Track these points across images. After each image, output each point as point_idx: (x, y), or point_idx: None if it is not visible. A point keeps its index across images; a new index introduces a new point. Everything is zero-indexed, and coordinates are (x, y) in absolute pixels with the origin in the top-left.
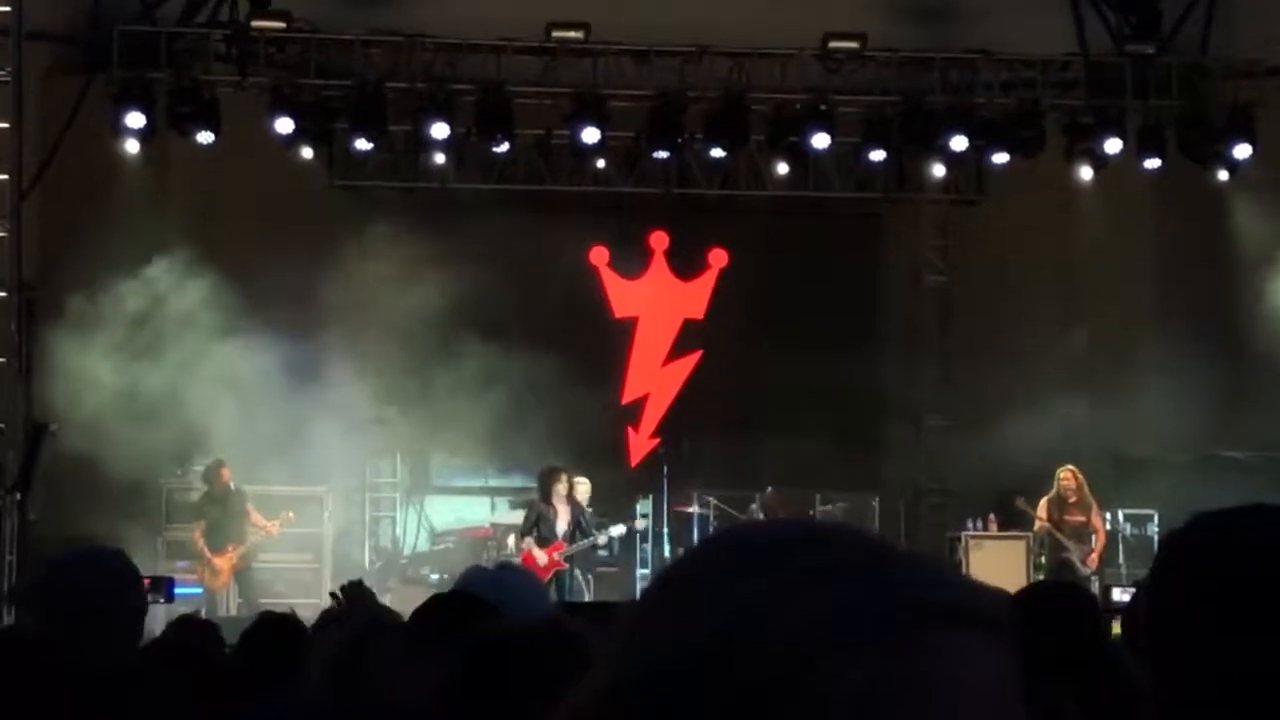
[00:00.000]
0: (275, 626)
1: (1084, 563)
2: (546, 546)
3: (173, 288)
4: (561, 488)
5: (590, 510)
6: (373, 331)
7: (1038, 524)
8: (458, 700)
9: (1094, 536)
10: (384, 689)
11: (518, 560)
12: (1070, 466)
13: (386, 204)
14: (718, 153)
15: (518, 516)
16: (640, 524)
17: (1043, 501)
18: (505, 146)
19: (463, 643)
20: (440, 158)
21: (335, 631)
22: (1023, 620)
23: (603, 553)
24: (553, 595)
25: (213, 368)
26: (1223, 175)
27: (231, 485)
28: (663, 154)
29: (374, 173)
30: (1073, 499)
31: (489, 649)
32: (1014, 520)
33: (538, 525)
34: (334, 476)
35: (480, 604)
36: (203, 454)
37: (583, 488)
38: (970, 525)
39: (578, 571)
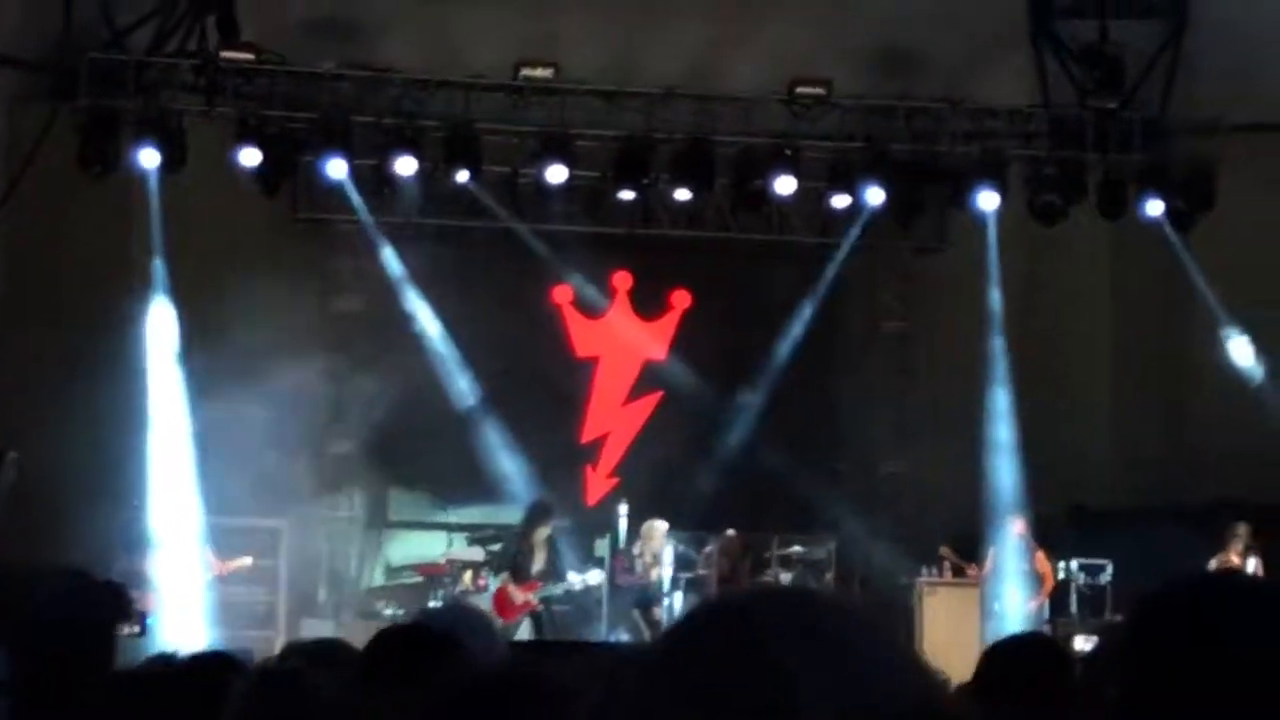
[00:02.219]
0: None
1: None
2: (522, 583)
3: (137, 317)
4: (545, 529)
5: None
6: (333, 365)
7: (971, 573)
8: None
9: (1041, 583)
10: None
11: (489, 596)
12: (1019, 516)
13: (350, 238)
14: (683, 194)
15: (475, 553)
16: (599, 576)
17: (991, 550)
18: (471, 183)
19: (426, 686)
20: (406, 192)
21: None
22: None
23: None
24: (528, 633)
25: (174, 399)
26: (1182, 229)
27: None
28: (628, 194)
29: (339, 206)
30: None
31: (457, 697)
32: (960, 568)
33: (515, 560)
34: (291, 509)
35: (440, 638)
36: (162, 484)
37: (659, 530)
38: (925, 571)
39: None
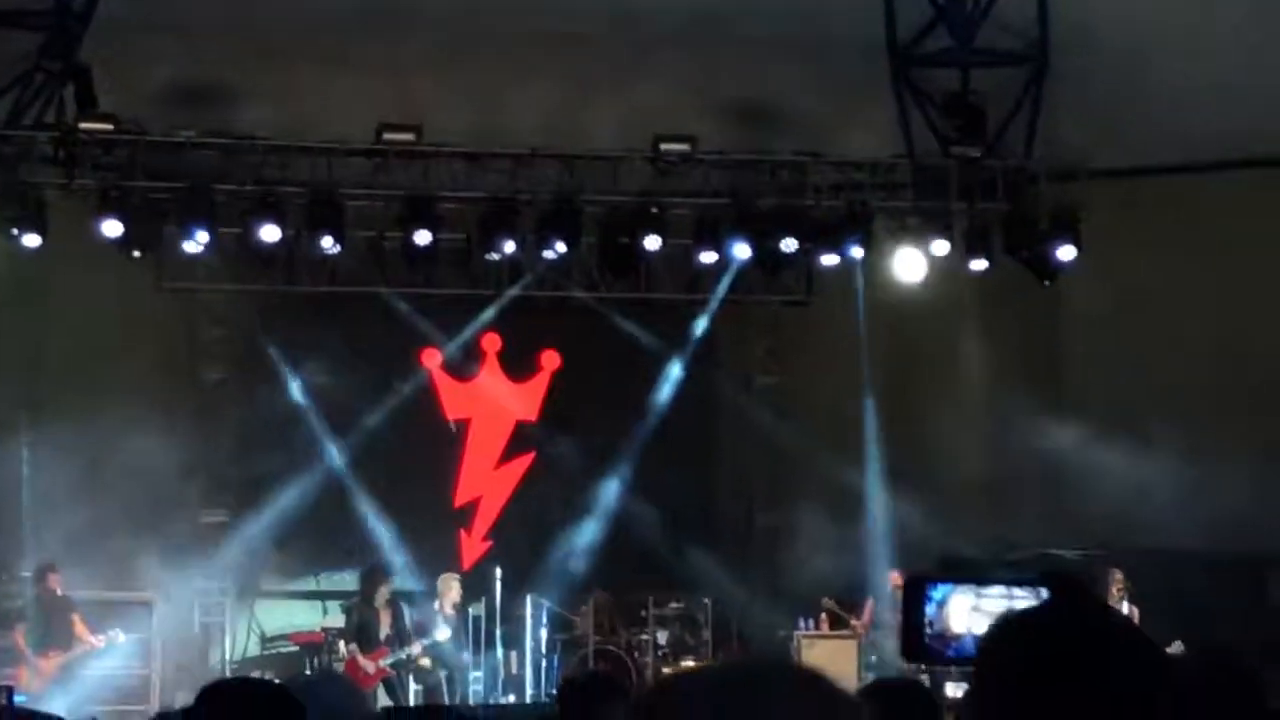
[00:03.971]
0: None
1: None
2: (370, 652)
3: (2, 390)
4: (384, 590)
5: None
6: (203, 434)
7: (855, 625)
8: None
9: None
10: None
11: (342, 667)
12: (895, 568)
13: (216, 306)
14: (550, 254)
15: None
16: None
17: (869, 602)
18: (336, 248)
19: None
20: (271, 260)
21: None
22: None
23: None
24: (384, 700)
25: (39, 472)
26: (1048, 275)
27: (59, 591)
28: (495, 256)
29: (204, 275)
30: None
31: None
32: (843, 619)
33: (360, 630)
34: (162, 581)
35: (280, 700)
36: (28, 559)
37: (454, 586)
38: (802, 625)
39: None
